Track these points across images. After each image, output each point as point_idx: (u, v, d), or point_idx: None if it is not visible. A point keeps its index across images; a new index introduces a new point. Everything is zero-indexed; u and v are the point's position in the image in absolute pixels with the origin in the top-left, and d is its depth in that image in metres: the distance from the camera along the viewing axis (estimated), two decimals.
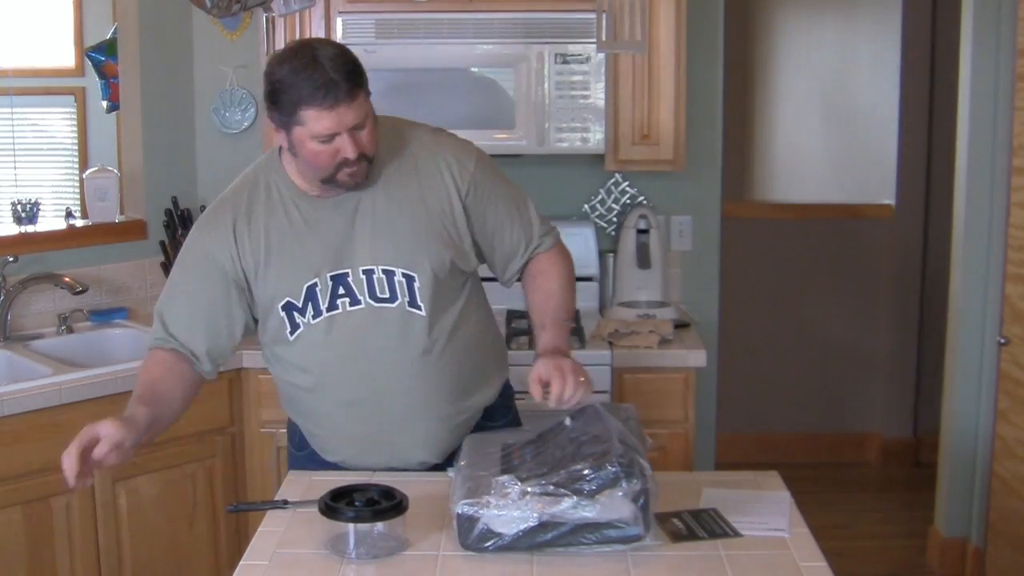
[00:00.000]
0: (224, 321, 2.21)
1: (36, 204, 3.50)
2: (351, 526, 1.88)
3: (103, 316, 3.53)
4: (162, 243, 3.56)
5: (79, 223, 3.59)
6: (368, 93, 2.09)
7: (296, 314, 2.17)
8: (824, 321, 5.03)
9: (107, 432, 1.95)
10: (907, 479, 4.87)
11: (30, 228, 3.47)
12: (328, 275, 2.15)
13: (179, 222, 3.57)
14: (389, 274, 2.15)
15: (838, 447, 5.07)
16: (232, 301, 2.20)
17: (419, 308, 2.16)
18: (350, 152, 2.05)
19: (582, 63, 3.30)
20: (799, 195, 5.72)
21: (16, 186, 6.02)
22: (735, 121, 5.65)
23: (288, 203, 2.19)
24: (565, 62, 3.30)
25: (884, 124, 5.00)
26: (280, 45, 3.38)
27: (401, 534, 1.92)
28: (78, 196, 5.85)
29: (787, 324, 5.03)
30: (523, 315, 3.33)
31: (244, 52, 3.68)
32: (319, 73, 2.00)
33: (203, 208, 3.58)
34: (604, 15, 3.04)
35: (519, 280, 2.36)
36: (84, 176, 3.77)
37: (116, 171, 3.75)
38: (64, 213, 3.60)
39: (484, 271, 2.35)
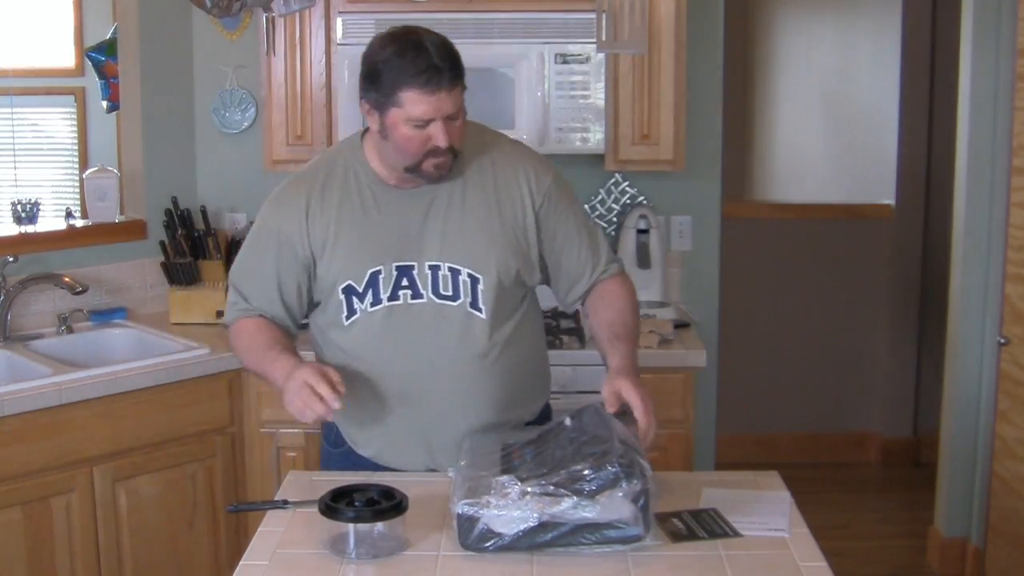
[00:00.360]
0: (295, 290, 2.23)
1: (36, 204, 3.50)
2: (351, 526, 1.88)
3: (103, 316, 3.53)
4: (162, 243, 3.56)
5: (79, 223, 3.60)
6: (464, 88, 2.10)
7: (355, 299, 2.18)
8: (824, 321, 5.03)
9: (329, 368, 2.04)
10: (907, 479, 4.87)
11: (30, 228, 3.47)
12: (394, 265, 2.16)
13: (179, 222, 3.57)
14: (455, 272, 2.16)
15: (838, 447, 5.07)
16: (300, 276, 2.22)
17: (480, 311, 2.17)
18: (442, 141, 2.07)
19: (582, 63, 3.30)
20: (799, 195, 5.72)
21: (16, 186, 6.01)
22: (735, 121, 5.66)
23: (364, 188, 2.20)
24: (565, 62, 3.30)
25: (884, 124, 5.00)
26: (280, 45, 3.39)
27: (401, 534, 1.92)
28: (78, 196, 5.85)
29: (787, 324, 5.03)
30: None
31: (244, 52, 3.68)
32: (424, 58, 2.03)
33: (203, 208, 3.60)
34: (604, 15, 3.04)
35: (581, 304, 2.36)
36: (84, 176, 3.77)
37: (116, 171, 3.75)
38: (64, 213, 3.60)
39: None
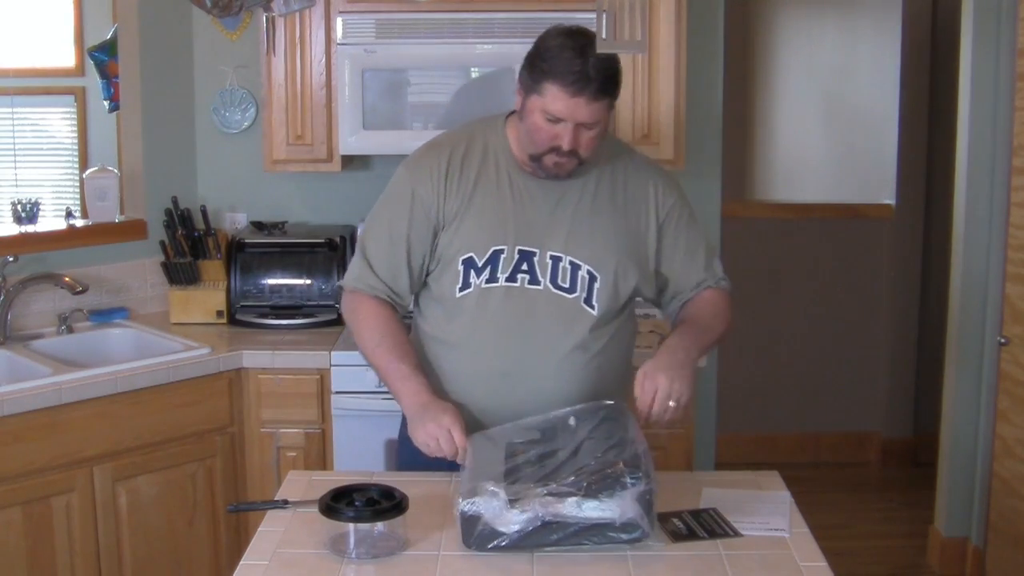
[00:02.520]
0: (421, 257, 2.28)
1: (36, 204, 3.50)
2: (351, 526, 1.88)
3: (103, 316, 3.53)
4: (162, 243, 3.56)
5: (79, 223, 3.59)
6: (612, 104, 2.17)
7: (472, 272, 2.23)
8: (824, 321, 5.03)
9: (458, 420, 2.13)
10: (907, 479, 4.88)
11: (30, 228, 3.47)
12: (517, 248, 2.22)
13: (179, 222, 3.57)
14: (575, 267, 2.23)
15: (838, 447, 5.07)
16: (428, 242, 2.26)
17: (592, 307, 2.23)
18: (565, 143, 2.14)
19: None
20: (799, 195, 5.71)
21: (16, 186, 6.02)
22: (735, 121, 5.65)
23: (501, 168, 2.27)
24: None
25: (884, 124, 5.00)
26: (280, 45, 3.38)
27: (401, 534, 1.92)
28: (78, 196, 5.85)
29: (787, 324, 5.03)
30: None
31: (244, 52, 3.68)
32: (580, 63, 2.10)
33: (203, 208, 3.60)
34: (604, 15, 3.04)
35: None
36: (84, 176, 3.76)
37: (116, 171, 3.75)
38: (64, 213, 3.60)
39: None
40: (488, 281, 2.22)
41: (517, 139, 2.26)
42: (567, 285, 2.23)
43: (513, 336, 2.22)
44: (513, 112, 2.30)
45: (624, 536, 1.87)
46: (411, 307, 2.36)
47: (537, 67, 2.14)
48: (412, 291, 2.32)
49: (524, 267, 2.22)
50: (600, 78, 2.11)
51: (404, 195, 2.28)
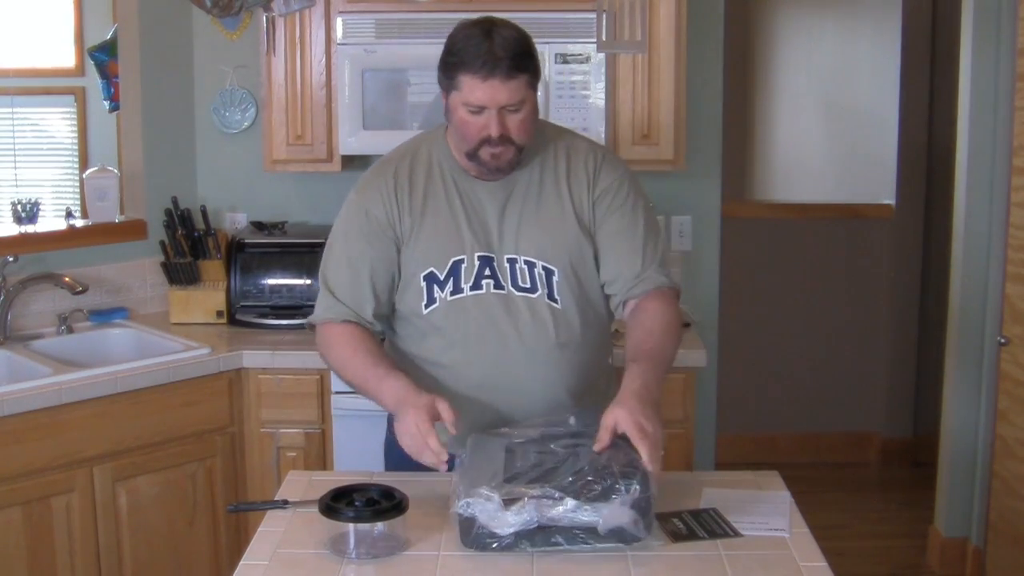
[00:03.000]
0: (386, 278, 2.24)
1: (36, 204, 3.50)
2: (351, 526, 1.88)
3: (103, 316, 3.53)
4: (162, 243, 3.56)
5: (79, 223, 3.59)
6: (532, 83, 2.14)
7: (435, 287, 2.21)
8: (824, 321, 5.03)
9: (442, 406, 2.02)
10: (907, 479, 4.87)
11: (30, 228, 3.47)
12: (476, 255, 2.20)
13: (179, 222, 3.57)
14: (530, 265, 2.21)
15: (838, 447, 5.07)
16: (393, 261, 2.24)
17: (556, 302, 2.21)
18: (493, 130, 2.11)
19: (582, 63, 3.30)
20: (799, 195, 5.72)
21: (16, 186, 6.02)
22: (735, 121, 5.65)
23: (447, 175, 2.24)
24: (565, 62, 3.30)
25: (884, 124, 5.00)
26: (280, 45, 3.39)
27: (401, 534, 1.92)
28: (78, 196, 5.85)
29: (787, 324, 5.03)
30: None
31: (244, 52, 3.68)
32: (487, 46, 2.08)
33: (203, 208, 3.60)
34: (604, 15, 3.04)
35: (624, 316, 2.30)
36: (84, 176, 3.77)
37: (116, 171, 3.75)
38: (64, 213, 3.60)
39: None
40: (453, 293, 2.20)
41: (454, 144, 2.23)
42: (528, 285, 2.20)
43: (488, 344, 2.20)
44: None
45: (619, 537, 1.86)
46: (382, 331, 2.30)
47: (449, 63, 2.13)
48: (379, 315, 2.26)
49: (487, 272, 2.20)
50: (509, 56, 2.08)
51: (358, 219, 2.25)
